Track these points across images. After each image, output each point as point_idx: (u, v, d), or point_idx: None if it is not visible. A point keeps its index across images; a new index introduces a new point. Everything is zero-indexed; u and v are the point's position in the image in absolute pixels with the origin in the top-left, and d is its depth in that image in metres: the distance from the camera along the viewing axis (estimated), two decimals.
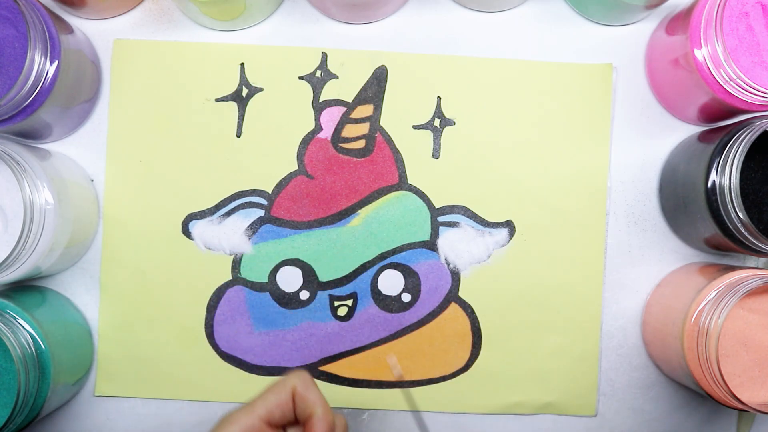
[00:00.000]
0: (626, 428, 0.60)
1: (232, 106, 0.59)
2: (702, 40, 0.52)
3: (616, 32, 0.60)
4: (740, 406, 0.50)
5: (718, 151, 0.51)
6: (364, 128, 0.59)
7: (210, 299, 0.59)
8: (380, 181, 0.59)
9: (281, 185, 0.59)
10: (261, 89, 0.59)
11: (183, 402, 0.59)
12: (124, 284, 0.59)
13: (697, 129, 0.60)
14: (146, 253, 0.59)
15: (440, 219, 0.59)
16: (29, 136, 0.57)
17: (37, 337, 0.51)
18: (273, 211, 0.59)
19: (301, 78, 0.59)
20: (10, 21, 0.51)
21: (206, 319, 0.59)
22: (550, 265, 0.59)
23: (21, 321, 0.51)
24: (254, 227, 0.59)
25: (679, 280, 0.58)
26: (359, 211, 0.59)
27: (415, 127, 0.59)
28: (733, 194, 0.50)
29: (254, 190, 0.59)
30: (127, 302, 0.59)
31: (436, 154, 0.59)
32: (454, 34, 0.60)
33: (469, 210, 0.59)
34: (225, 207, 0.59)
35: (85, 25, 0.59)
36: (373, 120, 0.59)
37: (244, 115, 0.59)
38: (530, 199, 0.59)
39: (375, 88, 0.59)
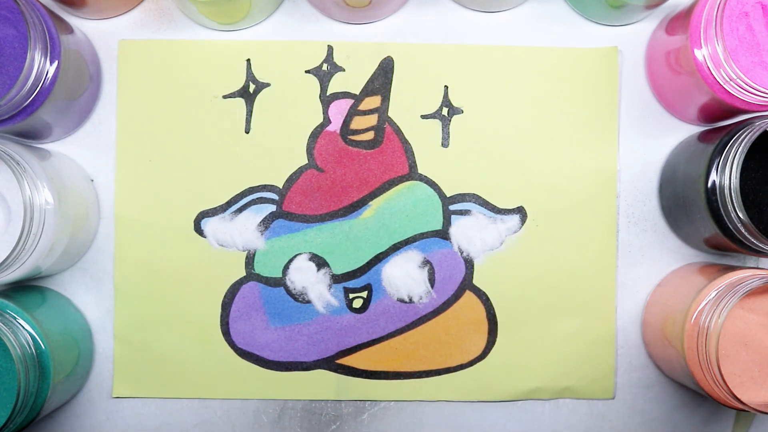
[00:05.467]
0: (626, 428, 0.60)
1: (240, 102, 0.59)
2: (702, 40, 0.52)
3: (616, 32, 0.60)
4: (740, 406, 0.50)
5: (718, 151, 0.51)
6: (372, 120, 0.59)
7: (224, 296, 0.59)
8: (390, 171, 0.59)
9: (292, 179, 0.59)
10: (268, 84, 0.59)
11: (183, 401, 0.59)
12: (137, 285, 0.59)
13: (697, 129, 0.60)
14: (159, 253, 0.59)
15: (452, 207, 0.59)
16: (29, 136, 0.57)
17: (37, 337, 0.51)
18: (285, 206, 0.59)
19: (307, 72, 0.59)
20: (10, 21, 0.51)
21: (221, 316, 0.59)
22: (564, 250, 0.59)
23: (21, 321, 0.51)
24: (266, 222, 0.59)
25: (679, 280, 0.58)
26: (371, 203, 0.59)
27: (423, 116, 0.59)
28: (733, 194, 0.50)
29: (265, 185, 0.59)
30: (142, 303, 0.59)
31: (445, 143, 0.59)
32: (454, 34, 0.60)
33: (481, 197, 0.59)
34: (236, 203, 0.59)
35: (85, 25, 0.59)
36: (381, 111, 0.59)
37: (252, 111, 0.59)
38: (541, 185, 0.59)
39: (382, 79, 0.59)
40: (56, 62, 0.52)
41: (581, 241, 0.59)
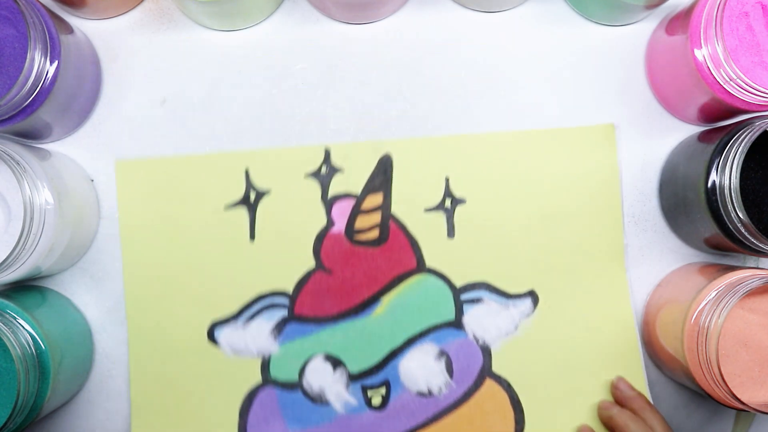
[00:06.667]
0: None
1: (242, 211, 0.59)
2: (702, 40, 0.52)
3: (616, 32, 0.60)
4: (740, 406, 0.50)
5: (718, 151, 0.51)
6: (376, 217, 0.59)
7: (242, 404, 0.58)
8: (399, 267, 0.59)
9: (301, 283, 0.59)
10: (268, 191, 0.59)
11: None
12: (154, 398, 0.58)
13: (697, 129, 0.60)
14: (174, 365, 0.58)
15: (463, 297, 0.59)
16: (29, 136, 0.57)
17: (37, 337, 0.51)
18: (296, 310, 0.58)
19: (307, 176, 0.59)
20: (10, 21, 0.51)
21: (239, 424, 0.58)
22: (580, 328, 0.58)
23: (21, 321, 0.51)
24: (279, 327, 0.58)
25: (679, 280, 0.58)
26: (382, 299, 0.58)
27: (426, 210, 0.59)
28: (733, 194, 0.50)
29: (275, 291, 0.59)
30: (160, 416, 0.58)
31: (450, 234, 0.59)
32: (454, 34, 0.60)
33: (491, 285, 0.59)
34: (248, 311, 0.59)
35: (85, 25, 0.59)
36: (384, 208, 0.59)
37: (255, 219, 0.59)
38: (549, 266, 0.59)
39: (382, 176, 0.59)
40: (56, 62, 0.52)
41: (597, 318, 0.58)
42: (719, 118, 0.58)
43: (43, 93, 0.52)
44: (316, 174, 0.59)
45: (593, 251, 0.59)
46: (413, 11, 0.60)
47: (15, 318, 0.51)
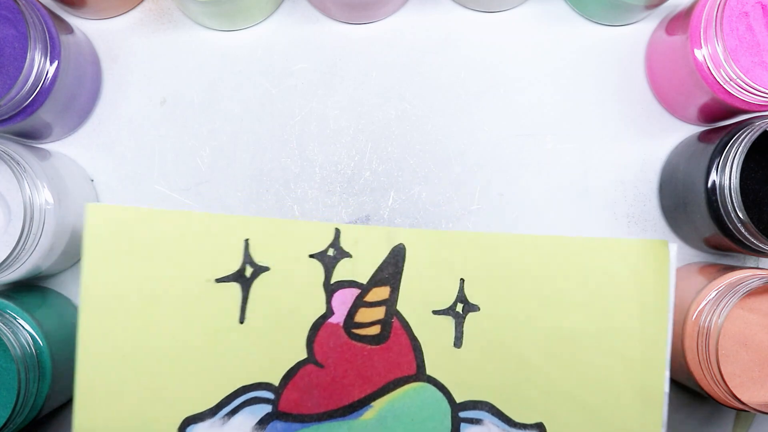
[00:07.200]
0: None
1: (235, 287, 0.52)
2: (702, 40, 0.52)
3: (616, 32, 0.60)
4: (740, 406, 0.50)
5: (718, 151, 0.51)
6: (379, 313, 0.53)
7: None
8: (396, 371, 0.52)
9: (289, 376, 0.52)
10: (267, 268, 0.52)
11: None
12: None
13: (697, 129, 0.60)
14: None
15: (462, 415, 0.52)
16: (29, 136, 0.57)
17: (37, 337, 0.51)
18: (281, 406, 0.52)
19: (311, 256, 0.52)
20: (10, 21, 0.51)
21: None
22: None
23: (21, 321, 0.51)
24: (261, 425, 0.52)
25: (679, 280, 0.58)
26: (373, 404, 0.52)
27: (435, 312, 0.53)
28: (733, 194, 0.50)
29: (260, 383, 0.52)
30: None
31: (458, 342, 0.52)
32: (454, 34, 0.60)
33: (495, 407, 0.52)
34: (228, 406, 0.52)
35: (85, 25, 0.59)
36: (390, 304, 0.53)
37: (247, 298, 0.52)
38: (567, 399, 0.51)
39: (392, 268, 0.53)
40: (56, 62, 0.52)
41: None
42: (719, 118, 0.58)
43: (43, 93, 0.52)
44: (321, 255, 0.52)
45: (625, 392, 0.51)
46: (413, 11, 0.60)
47: (15, 318, 0.51)
